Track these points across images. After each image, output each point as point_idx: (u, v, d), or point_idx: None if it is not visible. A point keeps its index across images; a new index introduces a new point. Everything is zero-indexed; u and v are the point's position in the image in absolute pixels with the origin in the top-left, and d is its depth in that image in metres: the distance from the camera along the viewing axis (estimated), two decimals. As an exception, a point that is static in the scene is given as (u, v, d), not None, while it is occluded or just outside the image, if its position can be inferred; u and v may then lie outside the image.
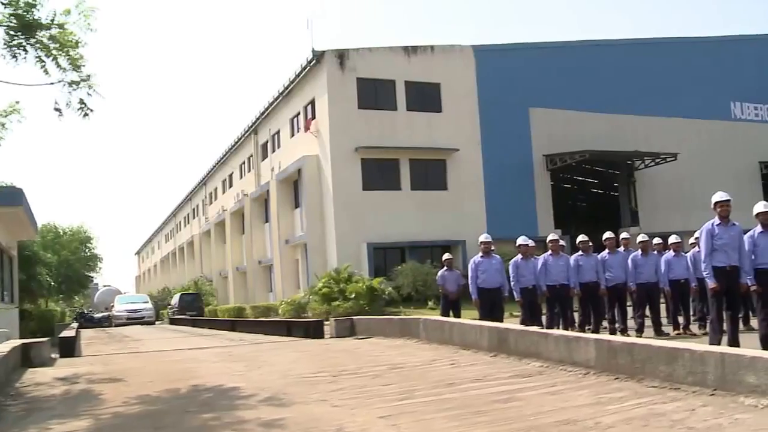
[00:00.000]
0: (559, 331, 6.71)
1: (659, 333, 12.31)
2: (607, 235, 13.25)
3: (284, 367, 8.47)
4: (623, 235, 14.55)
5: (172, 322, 37.88)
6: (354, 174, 29.97)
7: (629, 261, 12.83)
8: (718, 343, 8.41)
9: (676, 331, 12.55)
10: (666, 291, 13.03)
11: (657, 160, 34.13)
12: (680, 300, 13.07)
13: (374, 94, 30.90)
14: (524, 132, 33.11)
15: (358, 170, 30.06)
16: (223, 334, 19.85)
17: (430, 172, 31.27)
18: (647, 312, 12.97)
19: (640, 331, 12.48)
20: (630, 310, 13.44)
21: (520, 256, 12.51)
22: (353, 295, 25.29)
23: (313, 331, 13.47)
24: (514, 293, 12.38)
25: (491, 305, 11.72)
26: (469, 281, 12.09)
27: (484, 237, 12.29)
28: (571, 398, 5.43)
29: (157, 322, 41.23)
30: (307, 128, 31.72)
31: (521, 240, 12.74)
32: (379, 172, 30.40)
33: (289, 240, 34.05)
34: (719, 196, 9.28)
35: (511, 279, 12.36)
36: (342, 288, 26.20)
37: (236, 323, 22.00)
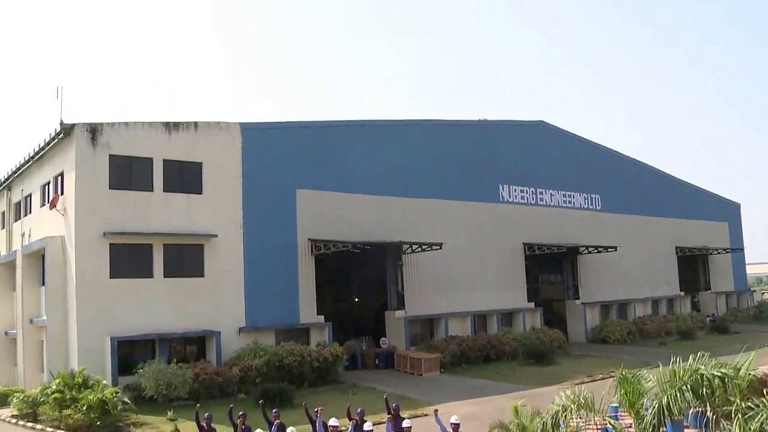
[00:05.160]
0: None
1: None
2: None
3: None
4: None
5: None
6: (101, 260, 27.81)
7: None
8: None
9: None
10: None
11: (423, 247, 34.61)
12: None
13: (129, 172, 28.93)
14: (290, 214, 32.48)
15: (105, 256, 27.92)
16: None
17: (187, 258, 29.72)
18: None
19: None
20: None
21: None
22: (85, 407, 23.49)
23: None
24: None
25: None
26: None
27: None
28: None
29: None
30: (53, 205, 29.16)
31: None
32: (129, 259, 28.42)
33: (33, 320, 31.21)
34: None
35: None
36: (75, 395, 24.29)
37: None
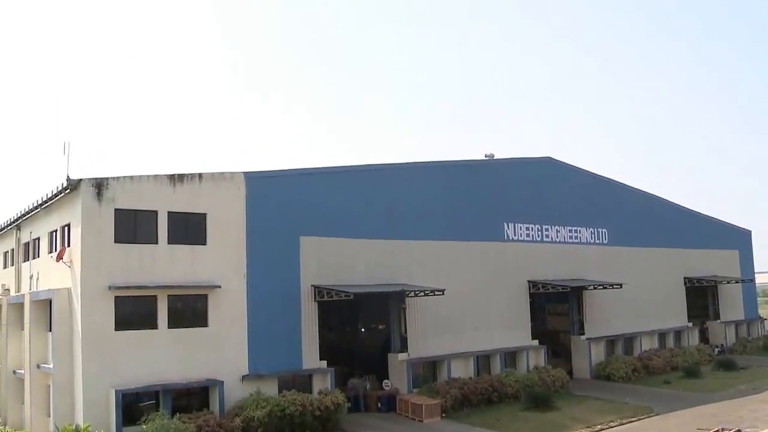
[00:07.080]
0: None
1: None
2: None
3: None
4: None
5: None
6: (106, 313, 28.22)
7: None
8: None
9: None
10: None
11: (426, 292, 34.86)
12: None
13: (134, 226, 29.30)
14: (294, 262, 32.82)
15: (111, 309, 28.31)
16: None
17: (190, 309, 30.13)
18: None
19: None
20: None
21: None
22: (88, 467, 24.03)
23: None
24: None
25: None
26: None
27: None
28: None
29: None
30: (59, 257, 29.64)
31: None
32: (134, 310, 28.86)
33: (40, 366, 31.73)
34: None
35: None
36: (79, 453, 24.84)
37: None
